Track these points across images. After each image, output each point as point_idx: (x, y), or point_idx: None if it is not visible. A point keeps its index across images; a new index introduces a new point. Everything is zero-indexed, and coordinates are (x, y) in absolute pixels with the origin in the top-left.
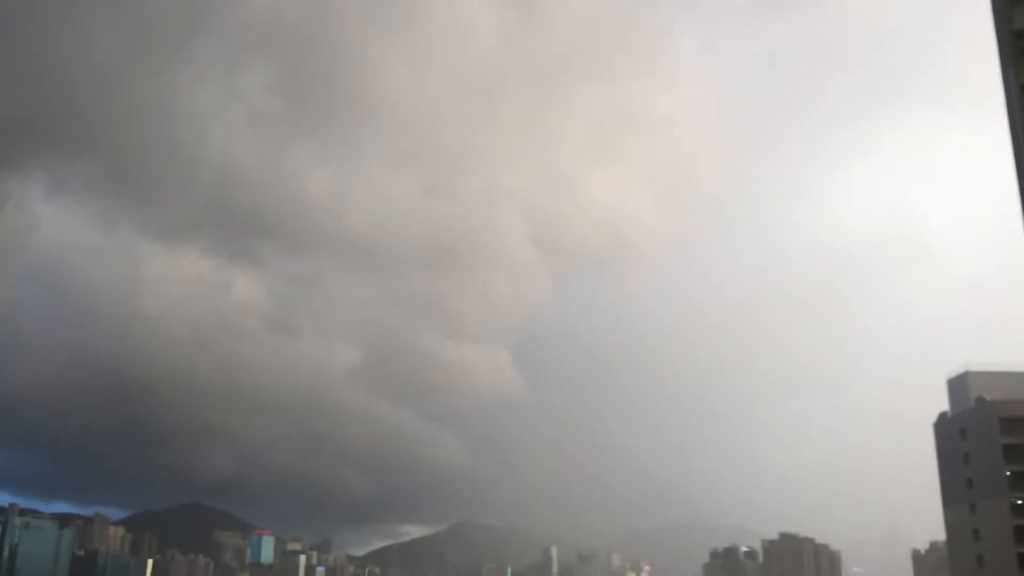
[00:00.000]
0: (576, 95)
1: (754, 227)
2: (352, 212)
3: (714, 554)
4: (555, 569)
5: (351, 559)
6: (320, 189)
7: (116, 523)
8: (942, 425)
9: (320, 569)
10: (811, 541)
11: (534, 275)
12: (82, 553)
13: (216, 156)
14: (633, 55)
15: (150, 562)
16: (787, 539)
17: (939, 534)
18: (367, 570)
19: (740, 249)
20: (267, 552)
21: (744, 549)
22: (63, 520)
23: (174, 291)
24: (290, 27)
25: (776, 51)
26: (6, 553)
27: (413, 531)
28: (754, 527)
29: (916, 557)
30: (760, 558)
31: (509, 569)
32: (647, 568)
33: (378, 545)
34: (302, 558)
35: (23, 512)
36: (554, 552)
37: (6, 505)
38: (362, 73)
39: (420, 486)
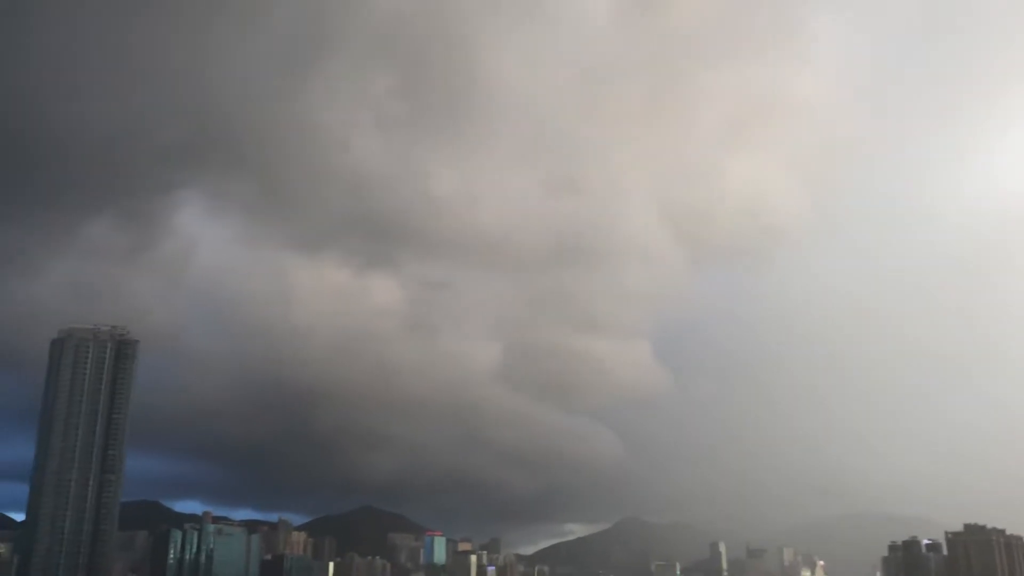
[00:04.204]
0: (705, 81)
1: (905, 204)
2: (480, 211)
3: (893, 547)
4: (724, 565)
5: (520, 558)
6: (448, 190)
7: (298, 528)
8: None
9: (491, 569)
10: (1001, 532)
11: (672, 266)
12: (269, 557)
13: (349, 164)
14: (763, 35)
15: (331, 565)
16: (973, 530)
17: None
18: (536, 569)
19: (891, 228)
20: (439, 553)
21: (926, 542)
22: (250, 526)
23: (319, 301)
24: (410, 27)
25: (924, 19)
26: (203, 558)
27: (578, 529)
28: (936, 518)
29: None
30: (944, 551)
31: (678, 565)
32: (821, 563)
33: (544, 544)
34: (473, 558)
35: (215, 519)
36: (722, 548)
37: (200, 513)
38: (482, 69)
39: (580, 484)
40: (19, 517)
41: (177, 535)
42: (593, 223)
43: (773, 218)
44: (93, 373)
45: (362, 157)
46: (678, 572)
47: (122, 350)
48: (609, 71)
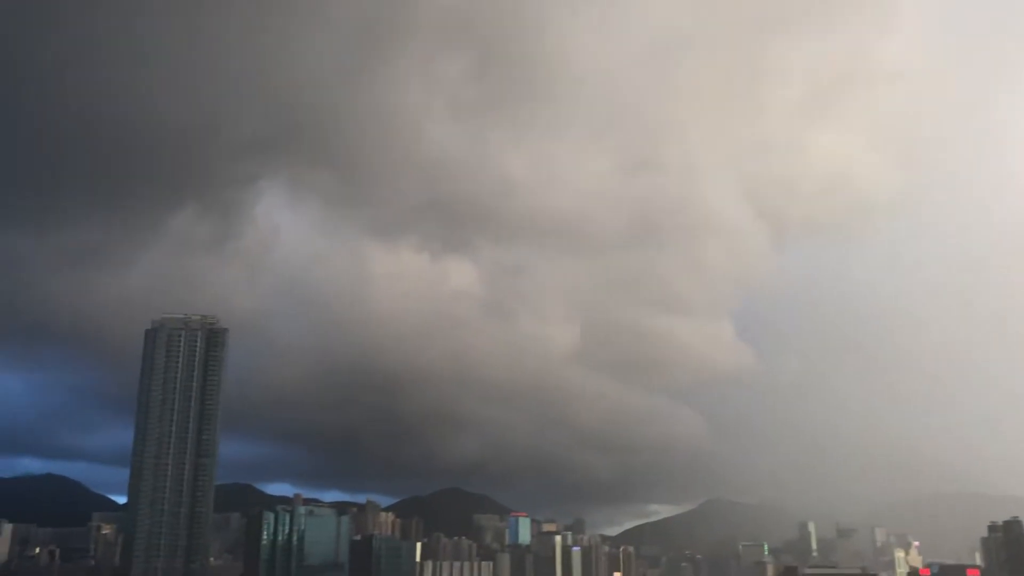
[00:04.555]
0: (784, 50)
1: (998, 172)
2: (556, 192)
3: (993, 527)
4: (814, 545)
5: (604, 539)
6: (522, 172)
7: (385, 509)
8: None
9: (576, 549)
10: None
11: (754, 243)
12: (358, 538)
13: (424, 150)
14: (845, 1)
15: (419, 545)
16: None
17: None
18: (621, 549)
19: (984, 197)
20: (524, 533)
21: None
22: (339, 508)
23: (397, 287)
24: (481, 10)
25: None
26: (295, 539)
27: (662, 510)
28: None
29: None
30: None
31: (766, 546)
32: (916, 543)
33: (628, 525)
34: (557, 539)
35: (305, 501)
36: (812, 527)
37: (291, 495)
38: (554, 49)
39: (663, 465)
40: (121, 499)
41: (270, 517)
42: (671, 201)
43: (858, 191)
44: (186, 361)
45: (436, 142)
46: (766, 552)
47: (212, 338)
48: (684, 45)
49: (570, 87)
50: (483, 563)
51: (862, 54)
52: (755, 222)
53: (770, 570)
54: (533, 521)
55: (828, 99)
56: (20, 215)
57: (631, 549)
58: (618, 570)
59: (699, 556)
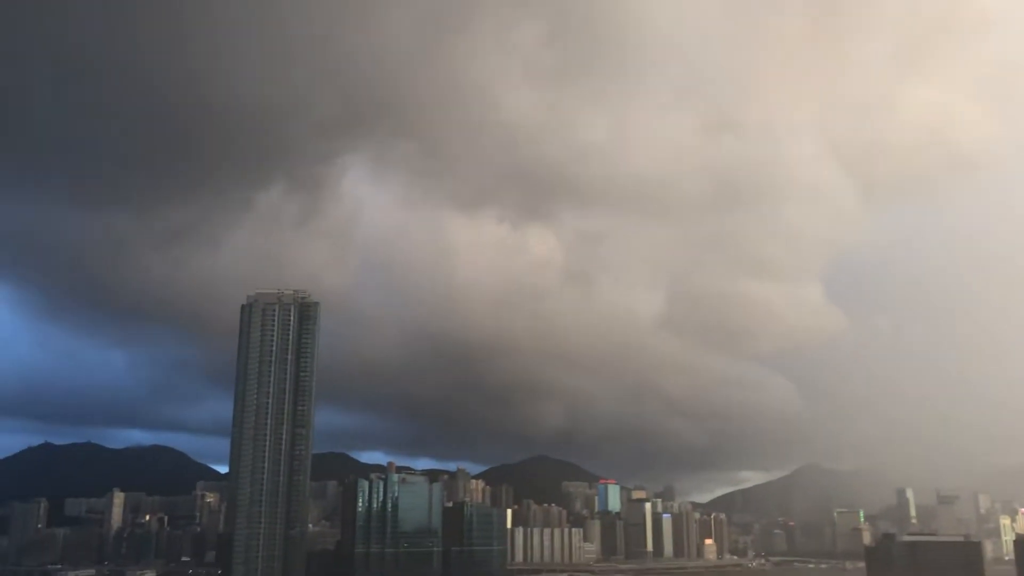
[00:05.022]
0: (871, 4)
1: None
2: (636, 157)
3: None
4: (912, 512)
5: (695, 506)
6: (601, 137)
7: (476, 477)
8: None
9: (666, 516)
10: None
11: (843, 203)
12: (450, 505)
13: (502, 119)
14: None
15: (509, 512)
16: None
17: None
18: (712, 516)
19: None
20: (613, 500)
21: None
22: (431, 475)
23: (479, 257)
24: None
25: None
26: (389, 506)
27: (752, 478)
28: None
29: None
30: None
31: (861, 513)
32: (1022, 510)
33: (719, 492)
34: (647, 506)
35: (398, 469)
36: (910, 494)
37: (384, 464)
38: (630, 9)
39: (754, 432)
40: (223, 469)
41: (364, 484)
42: (755, 162)
43: (952, 146)
44: (280, 335)
45: (514, 110)
46: (862, 519)
47: (304, 312)
48: (766, 3)
49: (648, 48)
50: (573, 530)
51: (955, 3)
52: (843, 181)
53: (866, 537)
54: (622, 488)
55: (920, 51)
56: (121, 198)
57: (722, 516)
58: (709, 537)
59: (792, 523)
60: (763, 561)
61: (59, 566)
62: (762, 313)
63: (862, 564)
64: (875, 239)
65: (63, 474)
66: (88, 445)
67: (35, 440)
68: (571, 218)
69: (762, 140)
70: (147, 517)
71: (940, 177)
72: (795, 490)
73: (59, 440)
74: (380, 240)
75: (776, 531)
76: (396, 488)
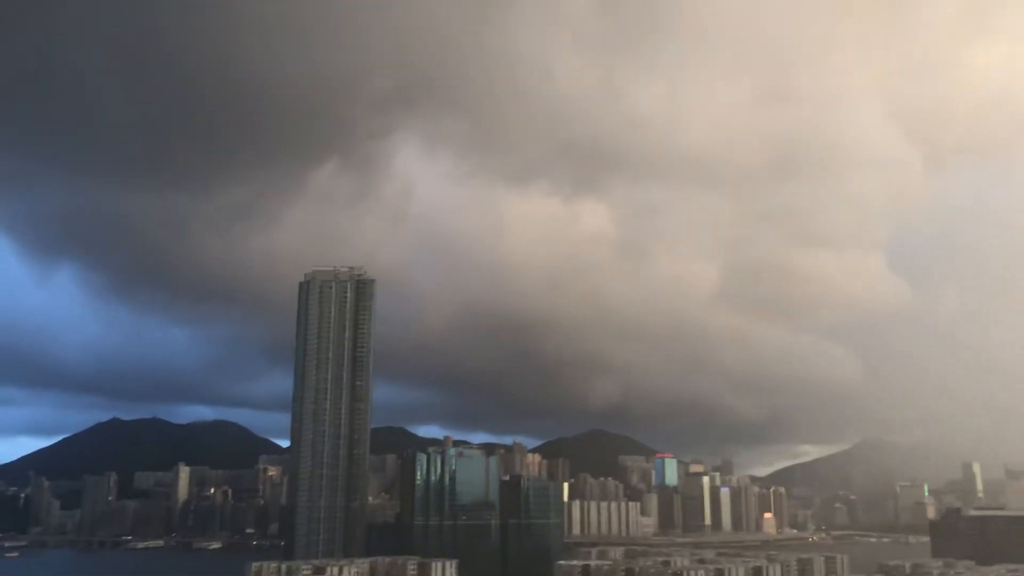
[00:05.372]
0: None
1: None
2: (690, 128)
3: None
4: (979, 486)
5: (754, 480)
6: (654, 108)
7: (532, 451)
8: None
9: (724, 490)
10: None
11: (906, 170)
12: (507, 478)
13: (553, 91)
14: None
15: (566, 485)
16: None
17: None
18: (772, 490)
19: None
20: (671, 474)
21: None
22: (487, 449)
23: (531, 232)
24: None
25: None
26: (447, 479)
27: (813, 451)
28: None
29: None
30: None
31: (926, 487)
32: None
33: (778, 466)
34: (705, 480)
35: (455, 443)
36: (976, 468)
37: (441, 438)
38: None
39: (813, 405)
40: (284, 443)
41: (422, 458)
42: (813, 130)
43: (1020, 109)
44: (337, 311)
45: (565, 82)
46: (926, 493)
47: (360, 289)
48: None
49: (701, 14)
50: (630, 503)
51: None
52: (906, 148)
53: (930, 511)
54: (679, 462)
55: (987, 9)
56: (181, 178)
57: (782, 490)
58: (769, 511)
59: (853, 497)
60: (824, 535)
61: (129, 537)
62: (822, 284)
63: (926, 539)
64: (940, 206)
65: (131, 449)
66: (154, 420)
67: (104, 416)
68: (624, 190)
69: (821, 107)
70: (212, 490)
71: (1008, 141)
72: (856, 463)
73: (127, 416)
74: (432, 216)
75: (837, 505)
76: (453, 462)
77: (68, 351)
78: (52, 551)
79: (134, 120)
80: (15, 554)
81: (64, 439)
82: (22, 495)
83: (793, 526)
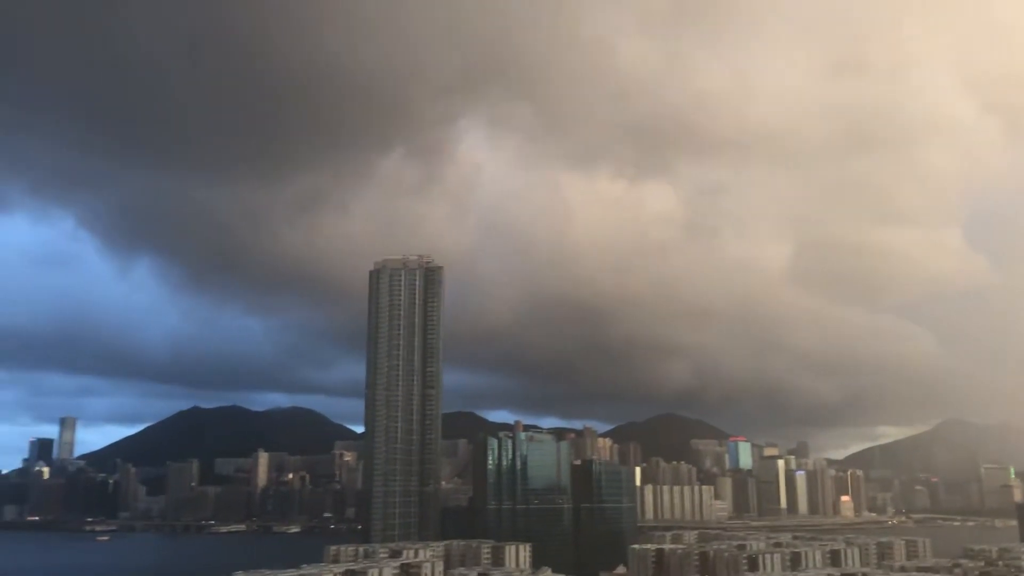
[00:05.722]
0: None
1: None
2: (757, 104)
3: None
4: None
5: (830, 463)
6: (719, 84)
7: (602, 435)
8: None
9: (800, 473)
10: None
11: (983, 143)
12: (578, 462)
13: (617, 71)
14: None
15: (638, 469)
16: None
17: None
18: (849, 473)
19: None
20: (744, 458)
21: None
22: (557, 434)
23: (596, 215)
24: None
25: None
26: (518, 463)
27: (891, 432)
28: None
29: None
30: None
31: (1011, 469)
32: None
33: (855, 448)
34: (780, 463)
35: (525, 428)
36: None
37: (511, 422)
38: None
39: (890, 386)
40: (359, 429)
41: (493, 443)
42: (886, 102)
43: None
44: (407, 299)
45: (629, 61)
46: (1012, 475)
47: (429, 276)
48: None
49: None
50: (703, 487)
51: None
52: (983, 118)
53: (1017, 494)
54: (753, 445)
55: None
56: (252, 170)
57: (859, 473)
58: (846, 494)
59: (935, 479)
60: (904, 518)
61: (212, 522)
62: (897, 261)
63: (1013, 522)
64: (1020, 177)
65: (212, 436)
66: (233, 408)
67: (185, 405)
68: (690, 170)
69: (893, 77)
70: (290, 476)
71: None
72: (938, 445)
73: (206, 404)
74: (497, 201)
75: (918, 487)
76: (524, 446)
77: (149, 342)
78: (140, 535)
79: (207, 114)
80: (107, 538)
81: (148, 427)
82: (110, 481)
83: (872, 509)
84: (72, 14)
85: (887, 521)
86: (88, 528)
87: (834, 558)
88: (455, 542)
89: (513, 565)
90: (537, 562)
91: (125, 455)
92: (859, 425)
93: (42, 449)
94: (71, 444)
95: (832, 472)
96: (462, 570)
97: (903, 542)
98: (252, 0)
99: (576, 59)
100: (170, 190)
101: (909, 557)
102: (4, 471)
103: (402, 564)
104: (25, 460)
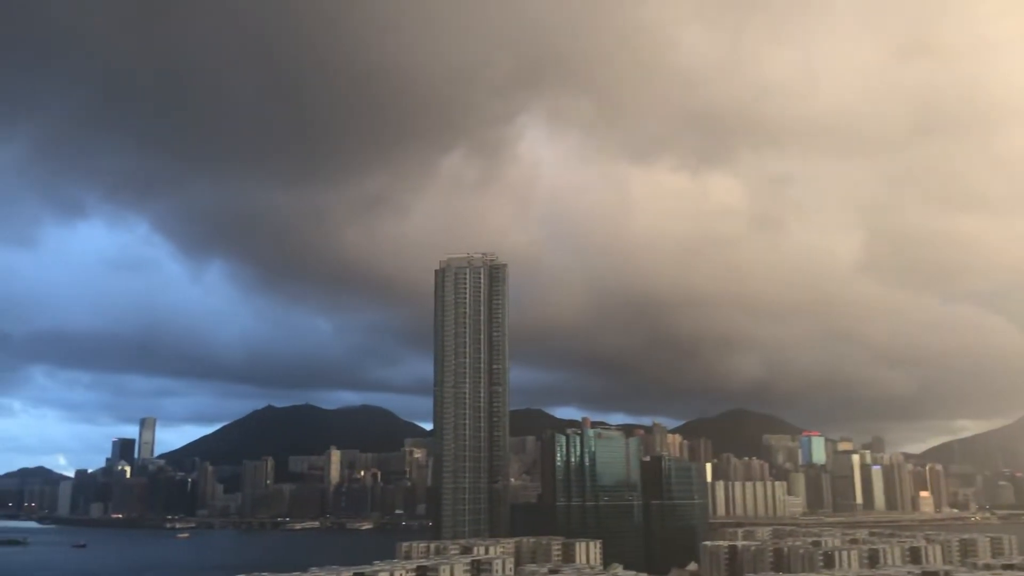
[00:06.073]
0: None
1: None
2: (824, 90)
3: None
4: None
5: (907, 457)
6: (784, 72)
7: (672, 431)
8: None
9: (876, 468)
10: None
11: None
12: (648, 459)
13: (677, 61)
14: None
15: (708, 465)
16: None
17: None
18: (928, 467)
19: None
20: (818, 452)
21: None
22: (626, 430)
23: (659, 208)
24: None
25: None
26: (587, 460)
27: (971, 426)
28: None
29: None
30: None
31: None
32: None
33: (933, 442)
34: (855, 457)
35: (593, 424)
36: None
37: (579, 419)
38: None
39: (970, 378)
40: (428, 426)
41: (561, 439)
42: (958, 85)
43: None
44: (472, 297)
45: (689, 51)
46: None
47: (494, 274)
48: None
49: None
50: (776, 483)
51: None
52: None
53: None
54: (827, 440)
55: None
56: (317, 171)
57: (939, 467)
58: (925, 489)
59: (1020, 474)
60: (988, 515)
61: (287, 519)
62: (974, 249)
63: None
64: None
65: (285, 434)
66: (306, 407)
67: (259, 404)
68: (755, 161)
69: (965, 60)
70: (362, 473)
71: None
72: (1022, 439)
73: (280, 403)
74: (559, 197)
75: (1002, 483)
76: (593, 443)
77: (223, 343)
78: (218, 532)
79: (272, 118)
80: (186, 535)
81: (224, 426)
82: (189, 479)
83: (953, 505)
84: (144, 23)
85: (970, 517)
86: (168, 525)
87: (914, 555)
88: (525, 539)
89: (584, 562)
90: (608, 559)
91: (202, 454)
92: (936, 418)
93: (124, 449)
94: (151, 444)
95: (909, 467)
96: (533, 566)
97: (987, 539)
98: (316, 8)
99: (635, 50)
100: (240, 194)
101: (994, 555)
102: (89, 470)
103: (473, 560)
104: (108, 459)
